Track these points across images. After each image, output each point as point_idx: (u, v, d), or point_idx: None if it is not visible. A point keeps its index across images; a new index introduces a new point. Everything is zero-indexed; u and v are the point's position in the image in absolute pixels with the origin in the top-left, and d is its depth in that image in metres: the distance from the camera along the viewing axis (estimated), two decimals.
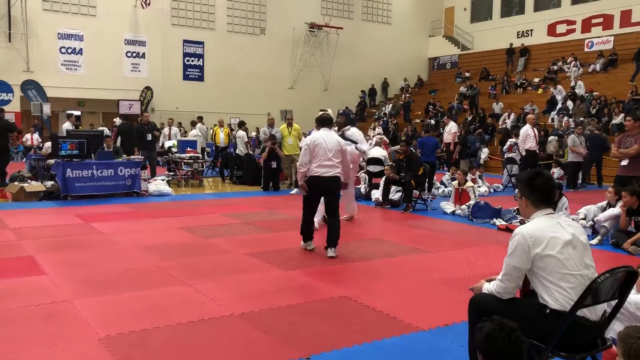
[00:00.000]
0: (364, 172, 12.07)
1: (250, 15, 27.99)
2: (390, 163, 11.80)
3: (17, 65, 22.84)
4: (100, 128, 18.12)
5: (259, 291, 5.03)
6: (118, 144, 13.69)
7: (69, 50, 24.04)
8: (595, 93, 21.39)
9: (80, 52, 24.21)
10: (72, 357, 3.59)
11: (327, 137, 6.46)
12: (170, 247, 6.77)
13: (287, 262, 6.07)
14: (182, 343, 3.82)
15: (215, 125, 19.25)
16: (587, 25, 26.55)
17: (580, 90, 21.93)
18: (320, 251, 6.70)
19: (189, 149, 14.29)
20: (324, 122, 6.74)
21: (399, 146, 12.05)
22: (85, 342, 3.80)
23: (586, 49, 25.96)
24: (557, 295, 2.80)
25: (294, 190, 12.43)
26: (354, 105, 31.02)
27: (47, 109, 19.88)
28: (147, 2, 24.40)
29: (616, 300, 2.97)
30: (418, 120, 25.70)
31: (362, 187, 11.75)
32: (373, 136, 17.12)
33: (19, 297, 4.70)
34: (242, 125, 15.83)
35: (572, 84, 22.43)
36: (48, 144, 12.39)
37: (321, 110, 8.93)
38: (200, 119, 19.73)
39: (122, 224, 8.31)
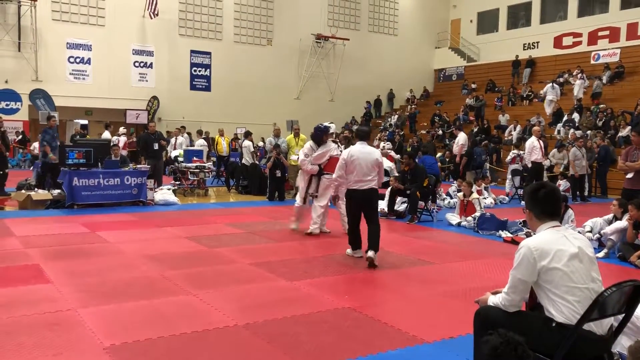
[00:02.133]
0: None
1: (257, 26, 28.16)
2: (396, 174, 11.79)
3: (26, 74, 23.04)
4: (117, 137, 18.16)
5: (264, 301, 5.02)
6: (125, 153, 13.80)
7: (77, 60, 24.24)
8: (601, 105, 21.36)
9: (88, 61, 24.41)
10: None
11: (363, 151, 6.69)
12: (175, 257, 6.77)
13: (292, 273, 6.06)
14: (187, 353, 3.82)
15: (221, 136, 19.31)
16: (593, 37, 26.56)
17: (578, 90, 22.01)
18: (324, 262, 6.70)
19: (195, 158, 14.34)
20: (362, 136, 7.06)
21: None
22: (90, 352, 3.80)
23: (592, 61, 25.96)
24: (563, 309, 2.78)
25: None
26: (360, 116, 31.08)
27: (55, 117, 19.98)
28: (155, 12, 24.60)
29: (623, 315, 2.95)
30: (424, 132, 25.71)
31: None
32: (381, 149, 17.08)
33: (24, 306, 4.71)
34: (248, 135, 15.89)
35: (579, 96, 22.40)
36: None
37: (323, 124, 8.97)
38: (184, 128, 19.82)
39: (128, 233, 8.33)
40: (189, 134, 19.98)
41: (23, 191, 10.98)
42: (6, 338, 3.98)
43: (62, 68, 23.81)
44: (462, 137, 16.89)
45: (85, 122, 26.63)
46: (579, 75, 23.79)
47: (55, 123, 12.84)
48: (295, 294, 5.34)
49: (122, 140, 18.12)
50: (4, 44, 22.59)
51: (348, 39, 29.83)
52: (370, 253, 6.43)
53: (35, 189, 11.18)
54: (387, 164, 12.73)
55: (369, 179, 6.59)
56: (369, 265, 6.38)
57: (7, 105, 22.97)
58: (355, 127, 28.88)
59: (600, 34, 26.27)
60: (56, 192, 10.84)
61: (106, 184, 10.96)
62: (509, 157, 15.94)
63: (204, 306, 4.86)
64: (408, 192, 10.25)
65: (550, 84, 22.93)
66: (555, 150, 15.99)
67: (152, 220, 9.56)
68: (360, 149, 6.70)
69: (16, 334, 4.07)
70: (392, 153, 15.78)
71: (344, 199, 7.04)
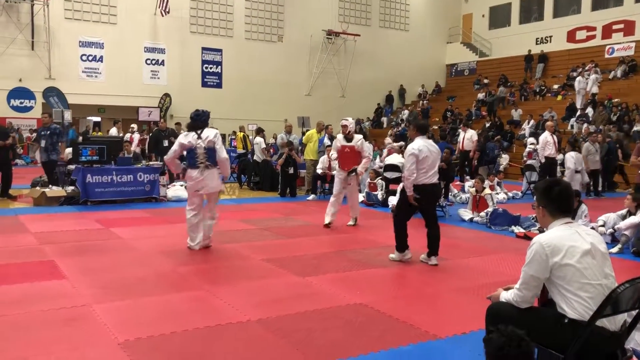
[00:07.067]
0: (380, 179, 12.06)
1: (268, 23, 28.19)
2: None
3: (40, 72, 23.27)
4: (129, 134, 18.20)
5: (276, 297, 5.05)
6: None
7: (90, 58, 24.43)
8: (615, 100, 21.15)
9: (100, 59, 24.58)
10: None
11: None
12: (188, 253, 6.83)
13: (304, 269, 6.09)
14: (200, 348, 3.85)
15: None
16: (607, 31, 26.27)
17: (592, 85, 21.78)
18: (335, 258, 6.71)
19: None
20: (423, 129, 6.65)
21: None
22: (105, 347, 3.85)
23: (607, 55, 25.69)
24: (576, 305, 2.77)
25: (311, 197, 12.47)
26: (372, 112, 31.04)
27: (68, 115, 20.21)
28: (166, 10, 24.71)
29: (637, 311, 2.93)
30: (435, 127, 25.62)
31: (380, 194, 11.73)
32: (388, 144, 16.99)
33: (40, 301, 4.77)
34: (260, 132, 15.92)
35: (592, 90, 22.18)
36: (69, 150, 12.57)
37: (343, 119, 9.11)
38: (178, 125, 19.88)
39: (141, 229, 8.40)
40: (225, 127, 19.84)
41: (37, 188, 11.10)
42: (24, 333, 4.04)
43: (74, 66, 24.01)
44: (474, 133, 16.80)
45: (98, 119, 26.86)
46: (593, 70, 23.57)
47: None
48: (308, 289, 5.36)
49: (136, 137, 18.23)
50: (17, 42, 22.81)
51: (359, 35, 29.77)
52: (434, 261, 6.46)
53: (50, 186, 11.29)
54: (398, 159, 12.66)
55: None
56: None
57: (21, 103, 23.22)
58: (366, 124, 28.88)
59: (614, 27, 25.98)
60: (70, 188, 10.95)
61: (119, 180, 11.05)
62: (525, 152, 15.83)
63: (217, 302, 4.89)
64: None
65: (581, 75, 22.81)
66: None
67: (164, 217, 9.63)
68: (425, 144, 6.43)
69: (33, 329, 4.13)
70: (395, 146, 15.55)
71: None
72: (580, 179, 9.53)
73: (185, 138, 6.79)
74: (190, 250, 6.94)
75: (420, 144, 6.34)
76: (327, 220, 8.76)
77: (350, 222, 9.05)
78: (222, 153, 6.81)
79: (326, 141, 12.53)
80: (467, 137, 16.37)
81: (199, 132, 6.75)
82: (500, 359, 2.29)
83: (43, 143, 11.61)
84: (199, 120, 6.81)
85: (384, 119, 30.02)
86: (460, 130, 17.90)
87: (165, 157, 7.28)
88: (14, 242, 7.21)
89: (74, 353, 3.73)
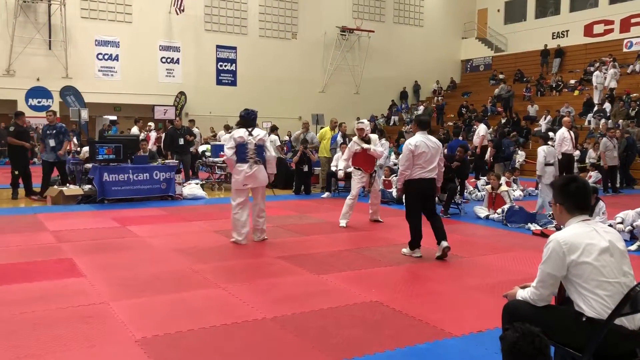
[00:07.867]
0: (395, 176, 12.01)
1: (282, 20, 28.22)
2: None
3: (57, 71, 23.54)
4: (146, 132, 18.32)
5: (291, 295, 5.06)
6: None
7: (106, 57, 24.65)
8: (634, 95, 20.86)
9: (116, 58, 24.80)
10: (109, 358, 3.68)
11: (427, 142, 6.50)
12: (204, 250, 6.87)
13: (319, 266, 6.10)
14: (216, 346, 3.88)
15: None
16: (626, 24, 25.89)
17: (610, 79, 21.43)
18: (350, 256, 6.71)
19: (222, 153, 14.44)
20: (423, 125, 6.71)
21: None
22: (122, 344, 3.89)
23: (625, 49, 25.33)
24: (594, 303, 2.74)
25: (326, 194, 12.46)
26: (386, 108, 30.93)
27: (84, 114, 20.41)
28: (181, 8, 24.84)
29: None
30: (450, 123, 25.48)
31: (394, 191, 11.70)
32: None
33: (59, 299, 4.84)
34: (274, 129, 15.95)
35: (612, 85, 21.87)
36: (86, 149, 12.70)
37: (358, 121, 9.15)
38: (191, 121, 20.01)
39: (157, 227, 8.46)
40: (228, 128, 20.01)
41: (55, 186, 11.24)
42: (43, 330, 4.10)
43: (91, 65, 24.27)
44: (482, 128, 16.60)
45: (114, 118, 27.09)
46: (611, 64, 23.23)
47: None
48: (323, 287, 5.37)
49: (153, 135, 18.36)
50: (35, 42, 23.10)
51: (373, 31, 29.68)
52: (445, 243, 6.49)
53: (67, 185, 11.43)
54: None
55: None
56: (442, 256, 6.49)
57: (38, 102, 23.50)
58: (380, 121, 28.81)
59: (633, 20, 25.61)
60: (87, 187, 11.07)
61: (135, 179, 11.14)
62: None
63: (233, 299, 4.92)
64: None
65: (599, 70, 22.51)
66: (590, 150, 15.66)
67: (180, 215, 9.69)
68: (423, 139, 6.52)
69: (53, 326, 4.19)
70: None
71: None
72: (553, 171, 9.67)
73: (237, 133, 7.22)
74: (206, 248, 6.99)
75: (418, 139, 6.48)
76: (343, 223, 8.65)
77: (380, 219, 9.20)
78: (272, 152, 7.40)
79: (339, 139, 12.51)
80: (476, 133, 16.26)
81: (250, 129, 7.18)
82: (514, 355, 2.28)
83: (52, 142, 11.47)
84: (248, 118, 7.24)
85: (395, 117, 29.95)
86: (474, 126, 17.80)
87: (225, 158, 7.80)
88: (32, 240, 7.31)
89: (92, 350, 3.77)
